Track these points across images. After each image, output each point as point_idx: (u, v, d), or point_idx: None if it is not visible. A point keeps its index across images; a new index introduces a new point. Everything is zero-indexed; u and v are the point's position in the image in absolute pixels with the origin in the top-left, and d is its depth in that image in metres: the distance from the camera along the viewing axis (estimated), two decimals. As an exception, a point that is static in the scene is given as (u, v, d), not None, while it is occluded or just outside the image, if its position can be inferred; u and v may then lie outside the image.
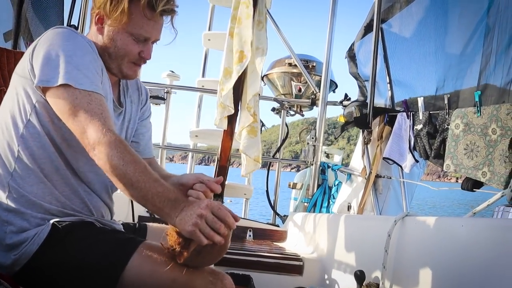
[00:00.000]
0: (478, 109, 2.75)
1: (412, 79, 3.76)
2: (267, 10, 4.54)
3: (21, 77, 1.61)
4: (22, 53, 2.89)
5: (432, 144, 3.08)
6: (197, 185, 1.66)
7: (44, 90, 1.55)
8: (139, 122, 1.99)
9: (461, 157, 2.81)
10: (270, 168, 4.71)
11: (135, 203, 2.20)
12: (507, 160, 2.53)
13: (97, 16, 1.71)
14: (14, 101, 1.62)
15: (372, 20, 3.70)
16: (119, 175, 1.43)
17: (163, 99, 4.53)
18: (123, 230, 1.86)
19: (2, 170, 1.61)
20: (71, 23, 3.49)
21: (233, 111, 3.06)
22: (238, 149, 3.38)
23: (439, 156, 3.02)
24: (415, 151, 3.28)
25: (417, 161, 3.31)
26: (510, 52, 2.73)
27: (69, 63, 1.53)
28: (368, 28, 3.89)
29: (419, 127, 3.22)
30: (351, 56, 4.09)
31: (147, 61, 1.77)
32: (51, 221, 1.57)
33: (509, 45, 2.74)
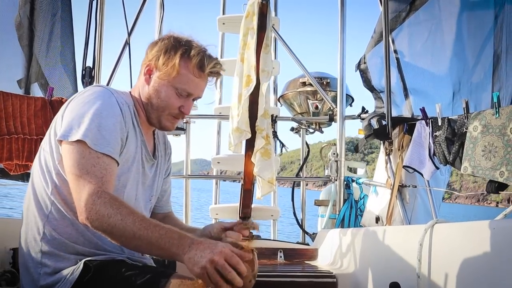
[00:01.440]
0: (497, 110, 2.73)
1: (428, 86, 3.75)
2: (277, 32, 4.60)
3: (54, 128, 1.68)
4: (41, 98, 2.99)
5: (451, 149, 3.06)
6: (230, 233, 1.76)
7: (61, 142, 1.61)
8: (165, 179, 2.06)
9: (479, 159, 2.79)
10: (295, 187, 4.70)
11: None
12: None
13: (147, 68, 1.80)
14: (47, 148, 1.69)
15: (380, 30, 3.72)
16: (120, 230, 1.46)
17: (183, 129, 4.58)
18: (154, 265, 1.89)
19: (38, 213, 1.66)
20: (86, 65, 3.57)
21: (249, 135, 3.08)
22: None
23: (458, 160, 2.99)
24: (434, 157, 3.25)
25: (437, 167, 3.28)
26: None
27: (93, 121, 1.58)
28: (377, 39, 3.90)
29: (438, 133, 3.19)
30: (363, 69, 4.10)
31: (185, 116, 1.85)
32: (83, 261, 1.60)
33: None
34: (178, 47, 1.78)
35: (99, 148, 1.56)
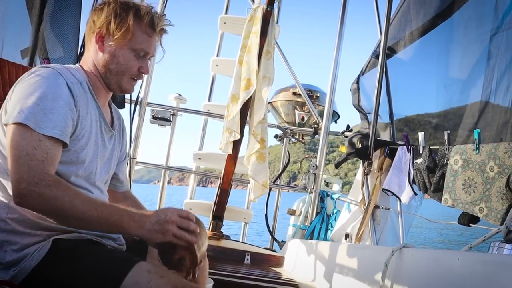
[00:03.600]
0: (477, 146, 2.81)
1: (414, 114, 3.83)
2: (275, 40, 4.65)
3: (4, 109, 1.64)
4: (22, 67, 2.95)
5: (432, 178, 3.13)
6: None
7: (5, 125, 1.58)
8: (122, 162, 2.06)
9: (459, 192, 2.85)
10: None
11: None
12: (504, 197, 2.57)
13: (98, 35, 1.76)
14: (1, 128, 1.65)
15: (377, 56, 3.79)
16: (68, 211, 1.45)
17: (168, 120, 4.59)
18: (124, 243, 1.88)
19: (2, 192, 1.62)
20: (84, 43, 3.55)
21: (239, 136, 3.11)
22: (241, 174, 3.42)
23: (438, 190, 3.06)
24: (414, 184, 3.32)
25: (415, 193, 3.35)
26: (508, 93, 2.79)
27: (37, 104, 1.54)
28: (373, 64, 3.97)
29: (419, 161, 3.27)
30: (355, 89, 4.17)
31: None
32: (52, 238, 1.59)
33: (507, 86, 2.81)
34: (127, 9, 1.76)
35: (44, 131, 1.52)
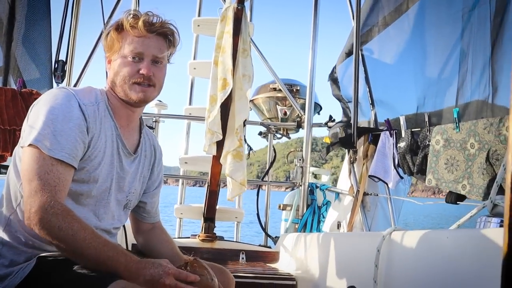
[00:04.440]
0: (457, 125, 2.85)
1: (394, 98, 3.87)
2: (250, 38, 4.66)
3: (23, 128, 1.68)
4: (11, 89, 2.97)
5: (415, 161, 3.17)
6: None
7: (22, 147, 1.61)
8: (153, 191, 2.05)
9: (442, 172, 2.90)
10: (260, 190, 4.75)
11: (128, 232, 2.25)
12: (485, 172, 2.61)
13: (107, 59, 1.85)
14: (19, 146, 1.68)
15: (352, 43, 3.82)
16: (69, 244, 1.48)
17: (152, 128, 4.59)
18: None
19: (7, 204, 1.67)
20: (59, 59, 3.54)
21: (221, 137, 3.12)
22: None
23: (422, 171, 3.10)
24: (399, 168, 3.36)
25: (401, 177, 3.39)
26: (484, 71, 2.84)
27: (47, 126, 1.57)
28: (349, 52, 4.01)
29: (402, 144, 3.31)
30: (334, 79, 4.20)
31: (152, 79, 1.79)
32: (37, 256, 1.61)
33: (483, 64, 2.85)
34: (111, 26, 1.82)
35: (53, 153, 1.55)
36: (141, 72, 1.77)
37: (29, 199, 1.51)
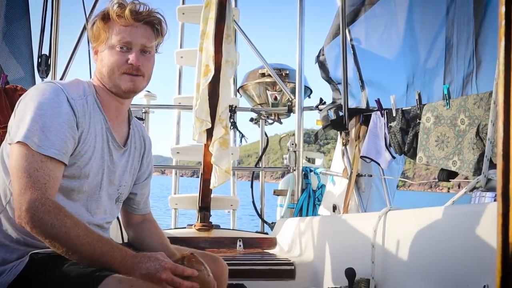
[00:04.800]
0: (447, 101, 2.84)
1: (383, 78, 3.86)
2: (236, 23, 4.62)
3: (10, 124, 1.65)
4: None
5: (406, 139, 3.16)
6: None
7: (10, 144, 1.59)
8: (143, 182, 2.02)
9: (433, 149, 2.90)
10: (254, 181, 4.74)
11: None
12: (475, 147, 2.62)
13: (94, 49, 1.80)
14: (6, 144, 1.65)
15: (338, 24, 3.79)
16: (63, 241, 1.47)
17: (141, 119, 4.56)
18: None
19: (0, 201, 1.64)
20: (42, 53, 3.50)
21: (210, 125, 3.10)
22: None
23: (413, 150, 3.10)
24: (391, 148, 3.36)
25: (393, 157, 3.39)
26: (468, 45, 2.83)
27: (35, 122, 1.54)
28: (335, 32, 3.98)
29: (393, 124, 3.30)
30: (321, 61, 4.17)
31: (140, 69, 1.76)
32: (29, 253, 1.59)
33: (467, 38, 2.85)
34: (97, 16, 1.78)
35: (43, 150, 1.53)
36: (129, 62, 1.73)
37: (18, 197, 1.49)
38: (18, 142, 1.52)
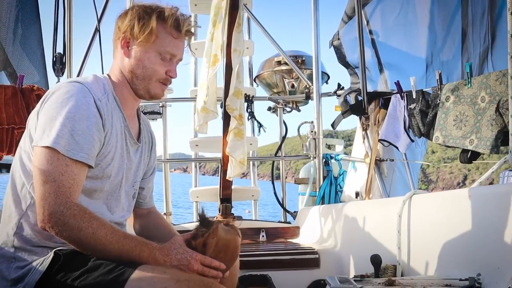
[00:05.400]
0: (469, 80, 2.77)
1: (402, 60, 3.79)
2: (250, 12, 4.58)
3: (32, 125, 1.64)
4: (11, 87, 2.93)
5: (425, 121, 3.09)
6: None
7: (34, 147, 1.58)
8: (150, 176, 2.04)
9: (450, 128, 2.83)
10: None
11: None
12: (494, 123, 2.54)
13: (123, 40, 1.76)
14: (27, 145, 1.65)
15: (353, 5, 3.72)
16: (91, 243, 1.49)
17: (159, 113, 4.56)
18: None
19: (16, 207, 1.64)
20: (57, 52, 3.50)
21: (217, 116, 3.07)
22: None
23: (432, 131, 3.03)
24: (409, 130, 3.28)
25: (412, 140, 3.31)
26: (483, 22, 2.76)
27: (65, 126, 1.54)
28: (350, 15, 3.91)
29: (413, 106, 3.23)
30: (337, 45, 4.11)
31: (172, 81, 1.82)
32: (53, 250, 1.60)
33: (481, 15, 2.77)
34: (150, 11, 1.74)
35: (72, 154, 1.52)
36: (169, 74, 1.77)
37: (42, 202, 1.49)
38: (46, 147, 1.52)
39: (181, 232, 1.86)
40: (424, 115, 3.14)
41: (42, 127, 1.56)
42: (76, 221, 1.47)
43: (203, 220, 1.64)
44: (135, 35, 1.72)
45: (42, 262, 1.59)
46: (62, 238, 1.50)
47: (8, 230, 1.64)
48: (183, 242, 1.58)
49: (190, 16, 1.83)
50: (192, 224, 3.79)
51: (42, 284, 1.56)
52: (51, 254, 1.59)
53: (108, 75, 1.81)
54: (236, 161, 3.10)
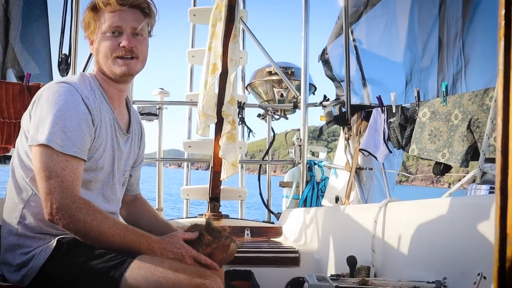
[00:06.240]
0: (444, 98, 2.82)
1: (384, 76, 3.83)
2: (245, 24, 4.61)
3: (26, 122, 1.64)
4: (18, 84, 2.94)
5: (404, 134, 3.15)
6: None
7: (30, 146, 1.57)
8: (138, 165, 2.03)
9: (425, 142, 2.88)
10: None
11: None
12: (465, 139, 2.60)
13: (89, 41, 1.77)
14: (23, 141, 1.65)
15: (341, 24, 3.77)
16: (95, 234, 1.51)
17: (155, 115, 4.56)
18: None
19: (18, 197, 1.65)
20: (63, 53, 3.50)
21: (215, 120, 3.09)
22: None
23: (410, 144, 3.09)
24: (389, 142, 3.34)
25: (390, 151, 3.37)
26: (456, 44, 2.81)
27: (56, 123, 1.53)
28: (338, 32, 3.96)
29: (392, 119, 3.28)
30: (325, 59, 4.15)
31: (134, 51, 1.72)
32: (57, 238, 1.61)
33: (455, 37, 2.83)
34: (87, 8, 1.74)
35: (66, 150, 1.53)
36: (122, 45, 1.69)
37: (48, 196, 1.49)
38: (42, 145, 1.52)
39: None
40: (402, 128, 3.19)
41: (35, 127, 1.56)
42: (82, 214, 1.49)
43: (210, 229, 1.67)
44: (87, 33, 1.75)
45: (45, 248, 1.59)
46: (68, 230, 1.51)
47: (12, 219, 1.64)
48: (181, 239, 1.61)
49: None
50: (183, 220, 3.80)
51: (45, 269, 1.57)
52: (54, 241, 1.60)
53: (94, 72, 1.80)
54: (229, 163, 3.12)
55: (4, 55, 3.13)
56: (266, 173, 4.88)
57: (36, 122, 1.56)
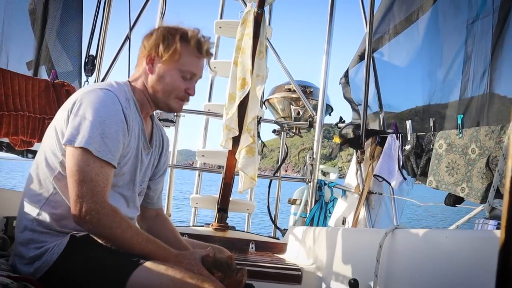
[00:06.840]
0: (460, 131, 2.82)
1: (401, 103, 3.84)
2: (268, 41, 4.66)
3: (61, 121, 1.67)
4: (44, 80, 3.00)
5: (419, 163, 3.14)
6: None
7: (65, 145, 1.61)
8: (158, 179, 2.06)
9: (443, 174, 2.87)
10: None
11: None
12: (484, 176, 2.58)
13: (148, 58, 1.79)
14: (53, 139, 1.68)
15: (364, 49, 3.80)
16: (118, 241, 1.56)
17: (172, 121, 4.61)
18: None
19: (39, 194, 1.67)
20: (90, 54, 3.57)
21: (237, 133, 3.13)
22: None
23: (425, 173, 3.07)
24: (403, 169, 3.34)
25: (405, 178, 3.36)
26: (483, 80, 2.81)
27: (96, 128, 1.58)
28: (361, 57, 3.98)
29: (407, 147, 3.28)
30: (345, 82, 4.18)
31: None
32: (70, 234, 1.63)
33: (482, 72, 2.83)
34: (175, 32, 1.78)
35: (102, 155, 1.56)
36: (188, 91, 1.81)
37: (80, 199, 1.53)
38: (80, 147, 1.55)
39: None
40: (418, 157, 3.19)
41: (75, 128, 1.59)
42: (109, 220, 1.53)
43: (218, 264, 1.69)
44: (160, 54, 1.77)
45: (59, 243, 1.62)
46: (93, 234, 1.56)
47: (29, 215, 1.67)
48: (199, 258, 1.64)
49: (210, 37, 1.85)
50: (188, 228, 3.82)
51: (58, 264, 1.59)
52: (67, 237, 1.62)
53: (129, 81, 1.84)
54: (247, 176, 3.15)
55: (38, 52, 3.21)
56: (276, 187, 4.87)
57: (76, 124, 1.59)
